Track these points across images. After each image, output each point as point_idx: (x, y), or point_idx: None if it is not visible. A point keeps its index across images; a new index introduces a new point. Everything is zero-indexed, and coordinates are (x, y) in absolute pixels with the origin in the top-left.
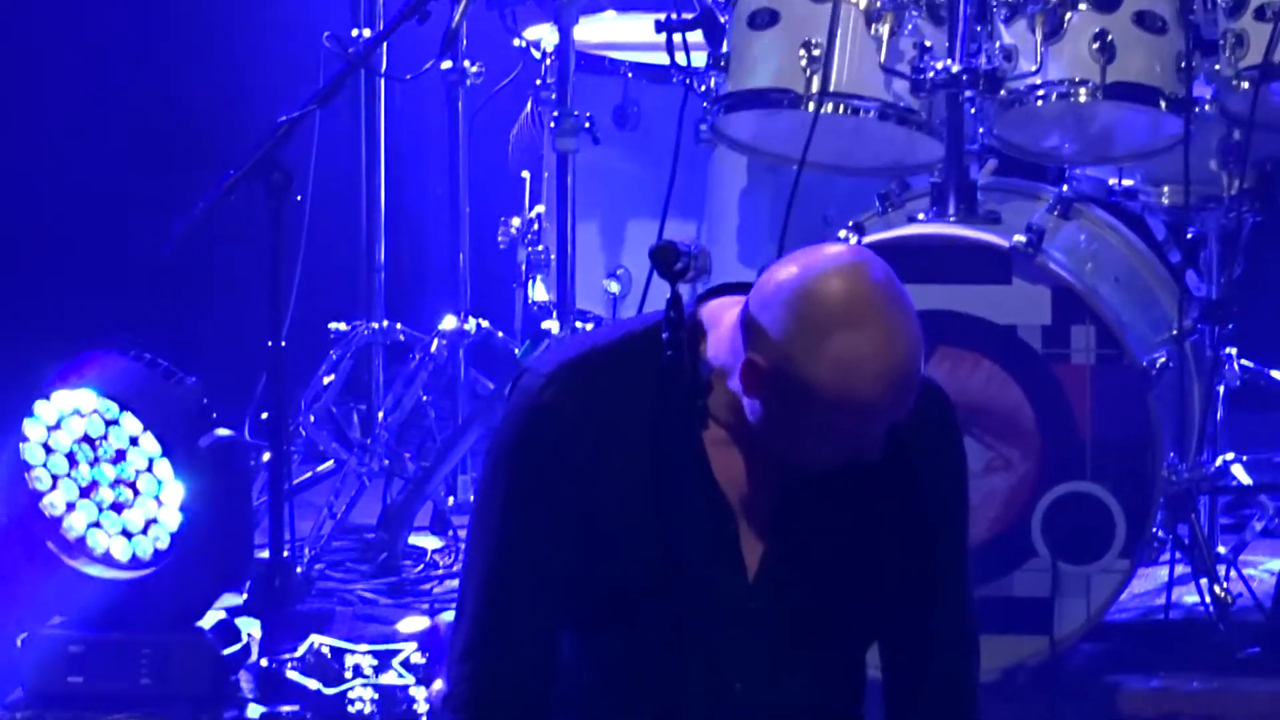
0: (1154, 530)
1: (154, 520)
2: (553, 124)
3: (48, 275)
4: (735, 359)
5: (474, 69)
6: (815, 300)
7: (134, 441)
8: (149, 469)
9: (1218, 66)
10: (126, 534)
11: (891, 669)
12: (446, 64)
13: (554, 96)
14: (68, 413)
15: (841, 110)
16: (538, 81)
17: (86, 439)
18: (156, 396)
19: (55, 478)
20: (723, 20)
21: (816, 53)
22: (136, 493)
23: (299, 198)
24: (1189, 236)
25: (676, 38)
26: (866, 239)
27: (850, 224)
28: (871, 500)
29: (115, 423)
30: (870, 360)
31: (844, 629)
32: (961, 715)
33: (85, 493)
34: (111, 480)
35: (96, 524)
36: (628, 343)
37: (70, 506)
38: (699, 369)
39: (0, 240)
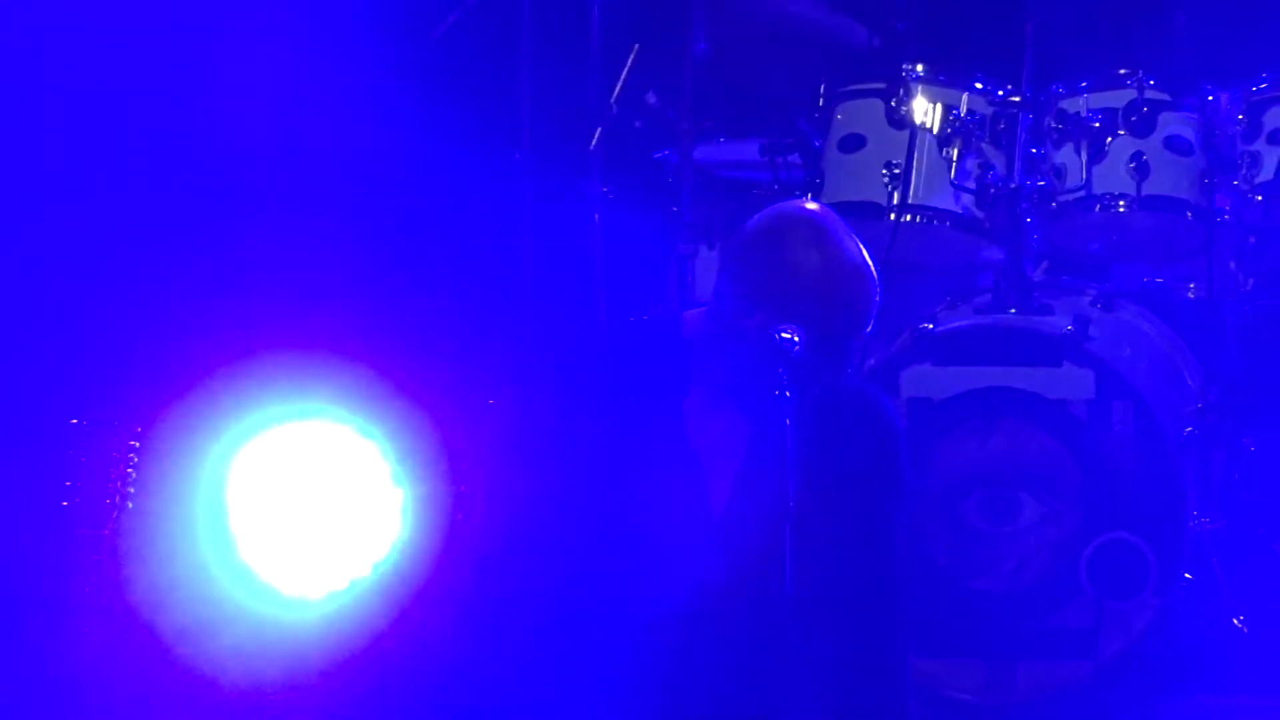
0: (1183, 572)
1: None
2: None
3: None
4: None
5: (606, 188)
6: (774, 210)
7: (369, 472)
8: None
9: (1236, 182)
10: (315, 571)
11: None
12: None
13: (675, 208)
14: (294, 442)
15: (918, 219)
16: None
17: (309, 467)
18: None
19: (256, 515)
20: (817, 144)
21: (897, 171)
22: (341, 530)
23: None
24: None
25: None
26: (939, 328)
27: (925, 315)
28: (821, 470)
29: (352, 450)
30: (792, 209)
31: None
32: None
33: (283, 529)
34: (319, 515)
35: (286, 560)
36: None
37: (262, 545)
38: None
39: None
